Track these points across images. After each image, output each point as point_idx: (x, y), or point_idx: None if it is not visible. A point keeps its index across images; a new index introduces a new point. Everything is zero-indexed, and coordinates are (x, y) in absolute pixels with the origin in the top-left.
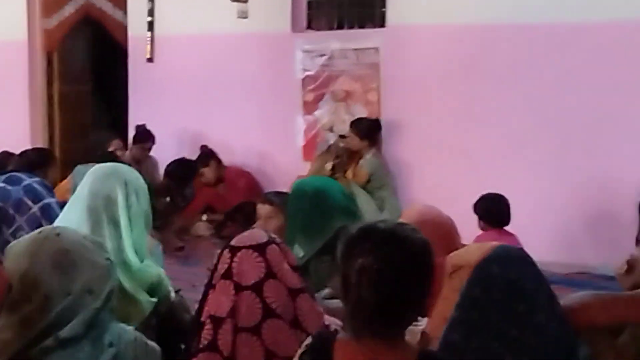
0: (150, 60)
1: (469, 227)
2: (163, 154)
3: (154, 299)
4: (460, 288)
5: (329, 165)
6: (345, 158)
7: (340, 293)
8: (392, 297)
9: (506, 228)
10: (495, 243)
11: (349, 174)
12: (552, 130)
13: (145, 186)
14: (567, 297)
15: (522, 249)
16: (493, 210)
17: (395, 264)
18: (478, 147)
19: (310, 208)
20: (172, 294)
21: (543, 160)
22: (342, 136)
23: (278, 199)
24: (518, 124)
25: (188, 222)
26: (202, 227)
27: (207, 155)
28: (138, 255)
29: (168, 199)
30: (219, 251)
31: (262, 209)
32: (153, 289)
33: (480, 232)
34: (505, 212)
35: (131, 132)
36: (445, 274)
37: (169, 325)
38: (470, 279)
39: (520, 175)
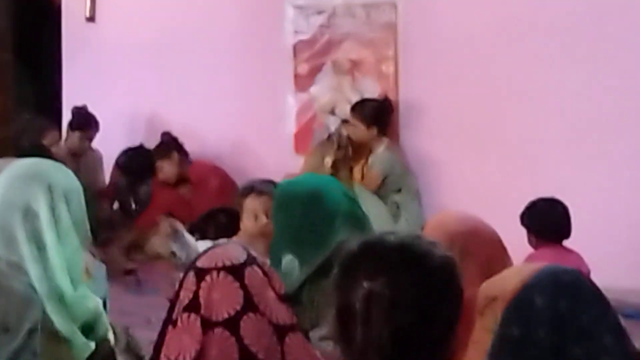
0: (91, 19)
1: (515, 244)
2: (109, 145)
3: (91, 343)
4: (494, 327)
5: (328, 161)
6: (350, 151)
7: (335, 332)
8: (412, 333)
9: (566, 244)
10: (540, 264)
11: (356, 173)
12: (631, 116)
13: (78, 188)
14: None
15: (578, 271)
16: (547, 221)
17: (413, 288)
18: (528, 138)
19: (303, 216)
20: (111, 337)
21: (616, 156)
22: (346, 121)
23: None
24: (584, 107)
25: (142, 237)
26: (161, 242)
27: (169, 145)
28: (71, 278)
29: (116, 204)
30: (181, 275)
31: (255, 203)
32: (88, 328)
33: (531, 250)
34: (564, 223)
35: (67, 116)
36: (477, 310)
37: None
38: (505, 314)
39: (584, 175)
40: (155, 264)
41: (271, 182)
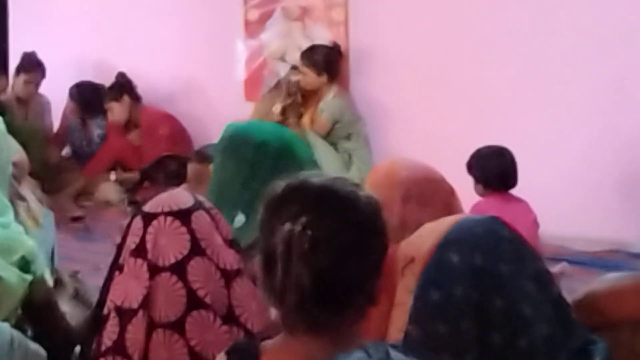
0: None
1: (464, 191)
2: (57, 91)
3: (27, 276)
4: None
5: (277, 107)
6: (299, 97)
7: (261, 275)
8: (332, 273)
9: (514, 192)
10: (453, 219)
11: (306, 119)
12: (586, 63)
13: (1, 133)
14: (594, 281)
15: (494, 220)
16: (492, 169)
17: (334, 229)
18: (479, 85)
19: (271, 168)
20: (48, 278)
21: (567, 105)
22: (295, 68)
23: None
24: (537, 54)
25: (91, 183)
26: (109, 189)
27: (121, 86)
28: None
29: (67, 149)
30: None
31: (193, 168)
32: (24, 266)
33: (479, 198)
34: (510, 171)
35: (14, 62)
36: (397, 270)
37: (46, 320)
38: (422, 276)
39: (535, 123)
40: (104, 211)
41: None
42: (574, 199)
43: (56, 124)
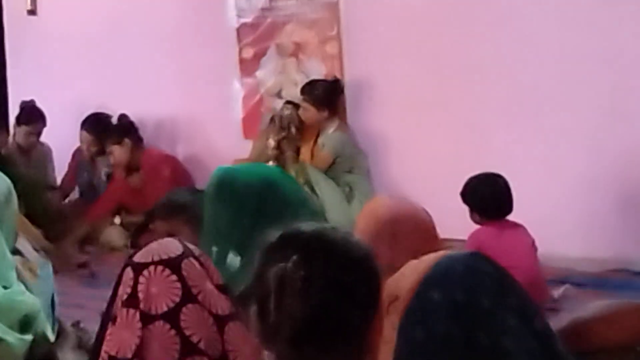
0: (32, 12)
1: (465, 219)
2: (57, 138)
3: (28, 337)
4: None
5: (271, 142)
6: (294, 130)
7: (254, 316)
8: (323, 309)
9: (513, 216)
10: (435, 256)
11: (305, 154)
12: (577, 86)
13: (6, 184)
14: (580, 309)
15: (475, 255)
16: (487, 197)
17: (325, 271)
18: (473, 113)
19: (255, 211)
20: (50, 335)
21: (562, 127)
22: (289, 102)
23: (177, 207)
24: (529, 79)
25: (95, 228)
26: (113, 233)
27: (123, 129)
28: (1, 281)
29: (76, 192)
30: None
31: (158, 227)
32: (25, 325)
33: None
34: (504, 198)
35: (13, 111)
36: (383, 308)
37: None
38: (406, 314)
39: (531, 147)
40: (109, 256)
41: (189, 193)
42: (575, 219)
43: (59, 171)
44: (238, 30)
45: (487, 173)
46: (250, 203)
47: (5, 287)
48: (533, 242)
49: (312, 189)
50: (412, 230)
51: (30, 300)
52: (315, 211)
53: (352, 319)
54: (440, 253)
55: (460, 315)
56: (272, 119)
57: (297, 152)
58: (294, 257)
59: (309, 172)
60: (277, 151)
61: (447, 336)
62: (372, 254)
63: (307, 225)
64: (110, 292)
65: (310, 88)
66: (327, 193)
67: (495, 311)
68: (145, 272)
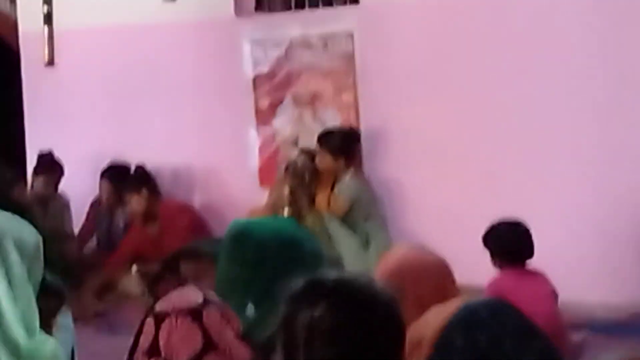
0: (50, 63)
1: (482, 265)
2: (75, 188)
3: None
4: None
5: (286, 191)
6: (308, 178)
7: None
8: (351, 355)
9: (531, 263)
10: (458, 303)
11: (321, 201)
12: (591, 128)
13: (31, 237)
14: (607, 354)
15: (498, 302)
16: (508, 244)
17: (352, 317)
18: (488, 159)
19: (271, 264)
20: None
21: (580, 169)
22: (303, 151)
23: (208, 249)
24: (544, 126)
25: (112, 277)
26: (131, 282)
27: (141, 178)
28: (26, 328)
29: (93, 241)
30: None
31: (187, 268)
32: None
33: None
34: (525, 245)
35: (31, 161)
36: (406, 354)
37: None
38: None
39: (549, 193)
40: (126, 305)
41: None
42: (592, 266)
43: (76, 221)
44: (254, 79)
45: (509, 219)
46: (265, 260)
47: (28, 335)
48: (552, 290)
49: (329, 237)
50: (419, 281)
51: (52, 349)
52: (329, 261)
53: None
54: (463, 300)
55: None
56: (286, 168)
57: (312, 200)
58: (322, 305)
59: (325, 220)
60: (292, 199)
61: None
62: (396, 301)
63: (330, 273)
64: (128, 341)
65: (327, 137)
66: (343, 241)
67: (518, 353)
68: (166, 322)
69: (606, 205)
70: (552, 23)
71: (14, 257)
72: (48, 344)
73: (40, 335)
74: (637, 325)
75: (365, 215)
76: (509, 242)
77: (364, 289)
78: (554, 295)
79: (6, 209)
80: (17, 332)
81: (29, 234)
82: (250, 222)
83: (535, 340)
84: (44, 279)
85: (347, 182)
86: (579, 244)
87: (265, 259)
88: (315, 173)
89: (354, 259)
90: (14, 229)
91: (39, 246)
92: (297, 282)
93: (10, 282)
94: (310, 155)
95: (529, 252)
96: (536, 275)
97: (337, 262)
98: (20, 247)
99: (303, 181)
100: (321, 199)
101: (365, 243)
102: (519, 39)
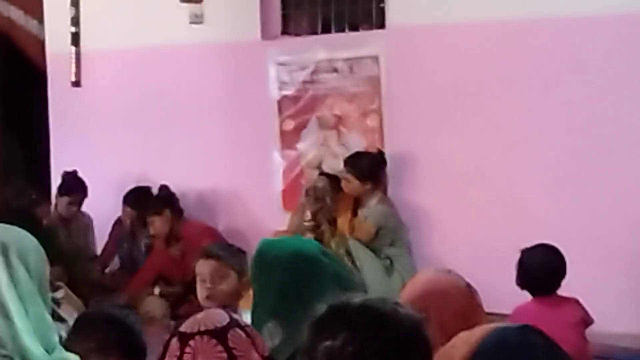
0: (76, 84)
1: (510, 290)
2: (99, 209)
3: None
4: None
5: (307, 215)
6: (329, 201)
7: None
8: None
9: (563, 291)
10: (486, 328)
11: (342, 225)
12: (621, 154)
13: (37, 249)
14: None
15: (526, 326)
16: (529, 275)
17: (375, 346)
18: (515, 183)
19: (285, 280)
20: None
21: (609, 195)
22: (322, 174)
23: (227, 253)
24: (568, 150)
25: (135, 298)
26: (153, 303)
27: (163, 200)
28: (43, 344)
29: (115, 262)
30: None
31: (205, 266)
32: None
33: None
34: (546, 274)
35: (56, 181)
36: None
37: None
38: None
39: (574, 219)
40: (148, 326)
41: (231, 248)
42: (617, 294)
43: (99, 241)
44: (279, 102)
45: (535, 245)
46: (279, 273)
47: (47, 352)
48: (584, 317)
49: (353, 262)
50: (443, 306)
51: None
52: (352, 283)
53: None
54: (491, 325)
55: None
56: (307, 192)
57: (334, 223)
58: (343, 334)
59: (350, 245)
60: (314, 223)
61: None
62: (422, 325)
63: (355, 298)
64: None
65: (354, 160)
66: (367, 266)
67: None
68: (191, 342)
69: (636, 232)
70: (582, 51)
71: (20, 271)
72: (68, 356)
73: (59, 352)
74: None
75: (391, 240)
76: (529, 274)
77: (389, 315)
78: (584, 322)
79: (30, 228)
80: (32, 345)
81: (31, 244)
82: (275, 239)
83: None
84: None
85: (374, 206)
86: (607, 272)
87: (279, 275)
88: (336, 196)
89: (377, 284)
90: (18, 239)
91: (42, 256)
92: (321, 307)
93: (19, 297)
94: (330, 178)
95: (550, 281)
96: (567, 301)
97: (361, 286)
98: (24, 259)
99: (325, 205)
100: (342, 222)
101: (390, 268)
102: (549, 66)
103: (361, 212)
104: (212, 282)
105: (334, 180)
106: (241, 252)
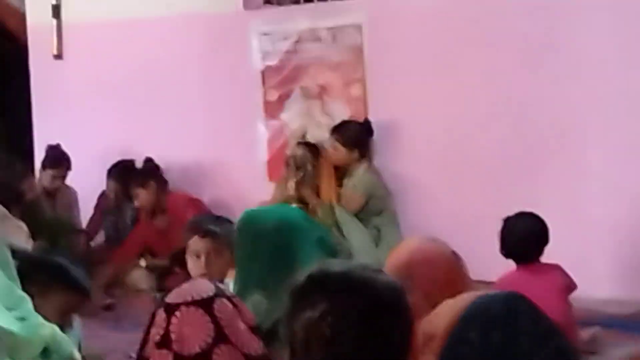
0: (58, 57)
1: (495, 260)
2: (82, 182)
3: None
4: None
5: (292, 185)
6: (310, 169)
7: (287, 358)
8: (354, 355)
9: (548, 258)
10: (471, 295)
11: (326, 192)
12: (605, 126)
13: None
14: (617, 349)
15: (513, 295)
16: (512, 241)
17: (352, 316)
18: (500, 152)
19: (270, 250)
20: (78, 356)
21: (592, 168)
22: (300, 143)
23: (221, 230)
24: (554, 120)
25: (120, 270)
26: (139, 276)
27: (148, 171)
28: (12, 311)
29: (100, 236)
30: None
31: (199, 243)
32: (49, 355)
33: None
34: (530, 242)
35: (39, 154)
36: (417, 349)
37: None
38: (442, 354)
39: (560, 188)
40: (134, 298)
41: (224, 222)
42: (603, 261)
43: (84, 214)
44: (263, 73)
45: (518, 213)
46: (265, 242)
47: (22, 320)
48: (568, 283)
49: (340, 232)
50: (429, 273)
51: (48, 330)
52: (336, 248)
53: None
54: (477, 293)
55: (496, 356)
56: (286, 162)
57: (317, 190)
58: (321, 305)
59: (336, 213)
60: (298, 193)
61: None
62: (402, 292)
63: (335, 266)
64: (135, 335)
65: (341, 129)
66: (355, 235)
67: (534, 350)
68: (177, 313)
69: (619, 200)
70: (567, 22)
71: None
72: (42, 325)
73: (35, 318)
74: None
75: (379, 209)
76: (510, 242)
77: (368, 284)
78: (568, 288)
79: (15, 201)
80: (6, 322)
81: None
82: (258, 209)
83: (550, 338)
84: (70, 273)
85: (362, 175)
86: (591, 240)
87: (264, 242)
88: (317, 163)
89: (364, 253)
90: None
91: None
92: (301, 275)
93: None
94: (309, 146)
95: (542, 248)
96: (550, 268)
97: (346, 251)
98: None
99: (306, 172)
100: (326, 191)
101: (378, 238)
102: (533, 34)
103: (348, 181)
104: (207, 259)
105: (312, 148)
106: (230, 224)
